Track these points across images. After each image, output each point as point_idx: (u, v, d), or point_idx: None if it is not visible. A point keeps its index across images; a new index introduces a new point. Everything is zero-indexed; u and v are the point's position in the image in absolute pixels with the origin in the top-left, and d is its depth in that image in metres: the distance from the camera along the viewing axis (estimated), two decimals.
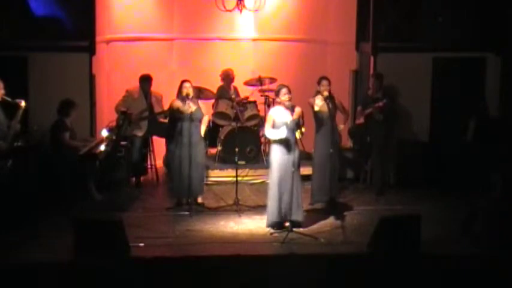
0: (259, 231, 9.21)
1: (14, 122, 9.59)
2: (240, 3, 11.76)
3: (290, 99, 9.10)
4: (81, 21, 11.37)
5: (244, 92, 12.67)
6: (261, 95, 12.32)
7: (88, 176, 10.21)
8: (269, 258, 8.41)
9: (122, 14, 12.65)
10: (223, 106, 12.10)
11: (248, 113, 12.08)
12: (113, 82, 12.54)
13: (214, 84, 12.48)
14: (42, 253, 8.28)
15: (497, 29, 11.84)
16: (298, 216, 9.15)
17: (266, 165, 11.15)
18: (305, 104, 9.84)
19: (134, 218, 9.62)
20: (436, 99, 11.87)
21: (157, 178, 11.69)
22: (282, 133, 9.01)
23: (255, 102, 12.28)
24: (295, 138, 9.10)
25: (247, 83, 12.65)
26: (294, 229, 8.98)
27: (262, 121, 11.70)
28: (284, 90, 9.14)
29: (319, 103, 9.79)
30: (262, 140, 12.01)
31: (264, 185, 10.98)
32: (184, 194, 10.04)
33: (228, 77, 12.55)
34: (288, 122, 9.00)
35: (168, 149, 10.74)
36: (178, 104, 9.98)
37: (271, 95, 11.58)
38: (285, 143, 9.05)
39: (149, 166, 11.74)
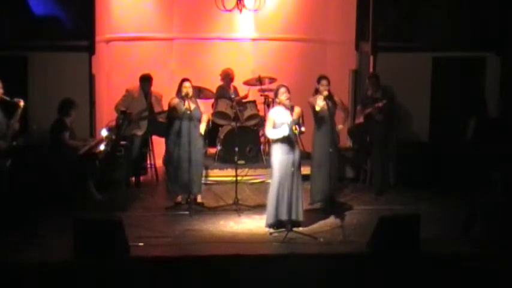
0: (259, 231, 9.21)
1: (13, 122, 9.58)
2: (240, 3, 11.75)
3: (289, 99, 9.10)
4: (81, 21, 11.36)
5: (244, 91, 12.67)
6: (261, 95, 12.32)
7: (88, 176, 10.22)
8: (269, 258, 8.41)
9: (121, 14, 12.65)
10: (223, 106, 12.09)
11: (248, 112, 12.07)
12: (113, 82, 12.54)
13: (214, 84, 12.48)
14: (42, 253, 8.28)
15: (497, 29, 11.84)
16: (298, 216, 9.15)
17: (266, 165, 11.21)
18: (305, 103, 9.84)
19: (134, 218, 9.62)
20: (436, 99, 11.87)
21: (157, 178, 11.69)
22: (284, 131, 9.00)
23: (254, 102, 12.27)
24: (296, 138, 9.11)
25: (247, 83, 12.65)
26: (294, 229, 8.98)
27: (261, 121, 11.71)
28: (283, 90, 9.14)
29: (320, 103, 9.78)
30: (262, 139, 12.01)
31: (263, 185, 10.99)
32: (182, 191, 10.05)
33: (227, 77, 12.55)
34: (288, 123, 9.00)
35: (167, 148, 10.74)
36: (175, 102, 9.99)
37: (271, 94, 11.60)
38: (286, 142, 9.05)
39: (149, 166, 11.73)
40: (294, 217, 9.10)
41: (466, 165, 10.28)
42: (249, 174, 11.51)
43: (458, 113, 11.19)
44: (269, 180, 9.28)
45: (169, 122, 10.22)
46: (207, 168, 11.41)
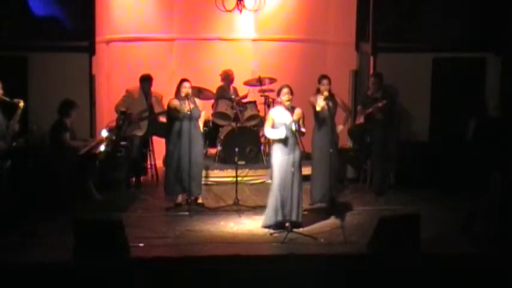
0: (259, 232, 9.20)
1: (13, 122, 9.59)
2: (240, 3, 11.75)
3: (290, 100, 9.10)
4: (81, 22, 11.36)
5: (244, 92, 12.67)
6: (261, 95, 12.32)
7: (88, 176, 10.22)
8: (269, 258, 8.40)
9: (121, 14, 12.65)
10: (223, 106, 12.10)
11: (248, 113, 12.08)
12: (113, 82, 12.54)
13: (214, 84, 12.49)
14: (42, 253, 8.28)
15: (497, 29, 11.83)
16: (297, 217, 9.14)
17: (266, 165, 11.20)
18: (305, 104, 9.84)
19: (134, 218, 9.62)
20: (436, 99, 11.87)
21: (157, 178, 11.69)
22: (281, 133, 9.01)
23: (254, 102, 12.28)
24: (296, 139, 9.10)
25: (247, 83, 12.65)
26: (294, 229, 8.97)
27: (262, 121, 11.70)
28: (285, 91, 9.14)
29: (320, 103, 9.79)
30: (262, 140, 12.01)
31: (264, 185, 11.00)
32: (179, 191, 10.05)
33: (227, 78, 12.55)
34: (288, 123, 9.00)
35: (167, 149, 10.74)
36: (175, 103, 9.99)
37: (271, 95, 11.60)
38: (285, 143, 9.05)
39: (149, 166, 11.74)
40: (294, 218, 9.10)
41: (466, 165, 10.27)
42: (249, 175, 11.52)
43: (458, 113, 11.18)
44: (269, 181, 9.28)
45: (169, 123, 10.22)
46: (207, 168, 11.41)
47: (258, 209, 9.95)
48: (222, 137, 11.96)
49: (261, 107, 12.28)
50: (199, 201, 10.29)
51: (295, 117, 9.06)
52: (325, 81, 9.95)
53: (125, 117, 10.72)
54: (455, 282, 8.03)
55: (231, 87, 12.57)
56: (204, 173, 10.87)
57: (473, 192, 9.60)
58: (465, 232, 9.08)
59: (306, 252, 8.49)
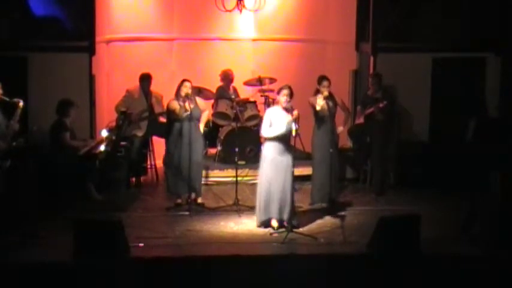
0: (259, 232, 9.20)
1: (13, 122, 9.58)
2: (240, 3, 11.76)
3: (287, 102, 9.07)
4: (81, 22, 11.36)
5: (244, 92, 12.68)
6: (261, 95, 12.32)
7: (88, 176, 10.22)
8: (269, 258, 8.40)
9: (121, 14, 12.65)
10: (223, 106, 12.10)
11: (248, 113, 12.08)
12: (113, 82, 12.54)
13: (213, 84, 12.49)
14: (42, 253, 8.28)
15: (497, 29, 11.83)
16: (289, 216, 9.07)
17: None
18: (305, 104, 9.84)
19: (134, 218, 9.62)
20: (436, 99, 11.87)
21: (157, 178, 11.69)
22: (281, 128, 8.99)
23: (254, 102, 12.28)
24: (291, 140, 9.08)
25: (247, 83, 12.65)
26: (294, 229, 8.96)
27: (262, 121, 11.68)
28: (285, 91, 9.13)
29: (320, 103, 9.79)
30: (262, 140, 11.98)
31: None
32: (182, 191, 10.04)
33: (227, 78, 12.55)
34: (287, 122, 8.98)
35: (167, 149, 10.73)
36: (175, 105, 9.96)
37: (271, 95, 11.60)
38: (281, 143, 9.05)
39: (149, 166, 11.74)
40: (285, 217, 9.08)
41: (466, 165, 10.27)
42: (249, 175, 11.48)
43: (458, 113, 11.18)
44: (258, 179, 9.27)
45: (169, 123, 10.21)
46: (207, 168, 11.41)
47: None
48: (222, 137, 11.97)
49: (261, 107, 12.28)
50: (199, 201, 10.28)
51: (292, 118, 9.00)
52: (325, 83, 9.95)
53: (125, 117, 10.72)
54: (455, 282, 8.03)
55: (231, 87, 12.57)
56: (204, 173, 10.87)
57: (473, 192, 9.60)
58: (465, 232, 9.08)
59: (306, 252, 8.50)
